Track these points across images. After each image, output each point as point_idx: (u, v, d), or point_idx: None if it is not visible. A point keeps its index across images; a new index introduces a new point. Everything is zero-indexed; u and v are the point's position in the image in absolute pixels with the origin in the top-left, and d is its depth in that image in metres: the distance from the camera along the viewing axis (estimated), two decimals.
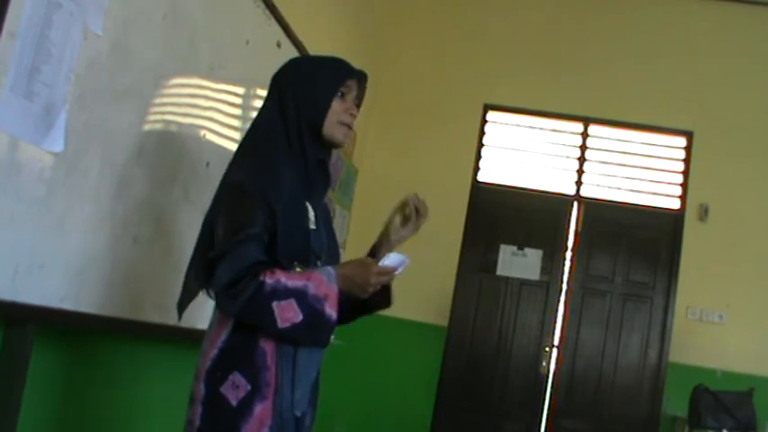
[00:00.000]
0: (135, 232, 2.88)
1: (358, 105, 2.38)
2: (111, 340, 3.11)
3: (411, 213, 2.44)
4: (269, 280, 2.04)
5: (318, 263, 2.25)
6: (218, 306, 2.13)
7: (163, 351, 3.52)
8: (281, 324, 2.04)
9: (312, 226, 2.25)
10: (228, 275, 2.05)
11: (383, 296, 2.35)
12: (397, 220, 2.46)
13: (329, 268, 2.15)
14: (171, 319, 3.12)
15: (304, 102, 2.26)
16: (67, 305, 2.52)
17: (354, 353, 6.22)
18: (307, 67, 2.37)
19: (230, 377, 2.08)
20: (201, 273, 2.23)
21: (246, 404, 2.07)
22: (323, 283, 2.09)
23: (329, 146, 2.34)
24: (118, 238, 2.78)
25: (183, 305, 2.34)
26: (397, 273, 2.20)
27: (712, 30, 6.87)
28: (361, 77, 2.36)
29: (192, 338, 3.04)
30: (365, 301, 2.30)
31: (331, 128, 2.28)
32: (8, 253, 2.22)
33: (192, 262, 2.29)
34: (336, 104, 2.29)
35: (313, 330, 2.08)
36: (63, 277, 2.49)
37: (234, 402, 2.07)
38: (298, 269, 2.14)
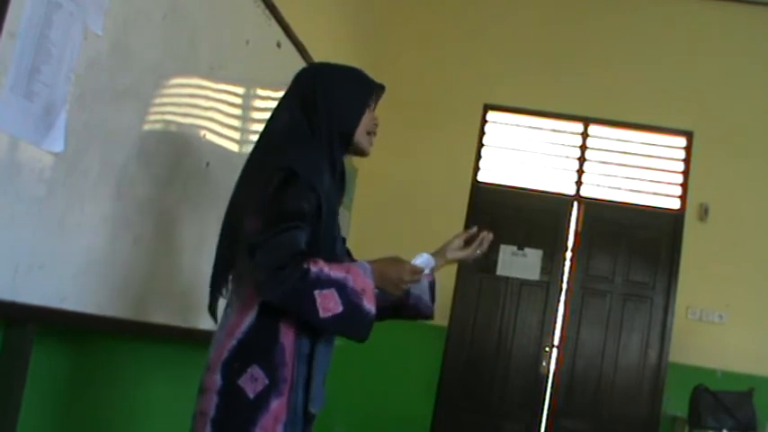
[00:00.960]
0: (135, 232, 2.88)
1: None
2: (111, 340, 3.11)
3: (475, 245, 2.71)
4: (314, 268, 2.06)
5: None
6: (260, 291, 2.10)
7: (164, 351, 3.52)
8: (322, 314, 2.06)
9: (339, 233, 2.33)
10: (275, 261, 2.04)
11: (425, 307, 2.60)
12: (458, 241, 2.71)
13: (365, 263, 2.19)
14: (172, 318, 3.13)
15: (337, 113, 2.30)
16: (68, 305, 2.52)
17: (354, 353, 6.18)
18: (336, 78, 2.39)
19: (249, 369, 2.08)
20: (226, 276, 2.28)
21: (263, 398, 2.07)
22: (359, 276, 2.12)
23: (354, 154, 2.41)
24: (118, 238, 2.78)
25: (214, 308, 2.34)
26: (426, 271, 2.32)
27: (712, 29, 6.87)
28: (382, 90, 2.45)
29: (193, 338, 3.04)
30: (402, 307, 2.48)
31: (361, 138, 2.36)
32: (8, 253, 2.22)
33: (219, 264, 2.30)
34: (366, 116, 2.36)
35: (354, 323, 2.10)
36: (63, 277, 2.49)
37: (251, 395, 2.07)
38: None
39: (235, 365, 2.09)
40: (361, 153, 2.41)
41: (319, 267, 2.07)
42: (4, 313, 2.28)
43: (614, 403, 6.51)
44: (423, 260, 2.29)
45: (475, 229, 2.71)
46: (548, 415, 6.59)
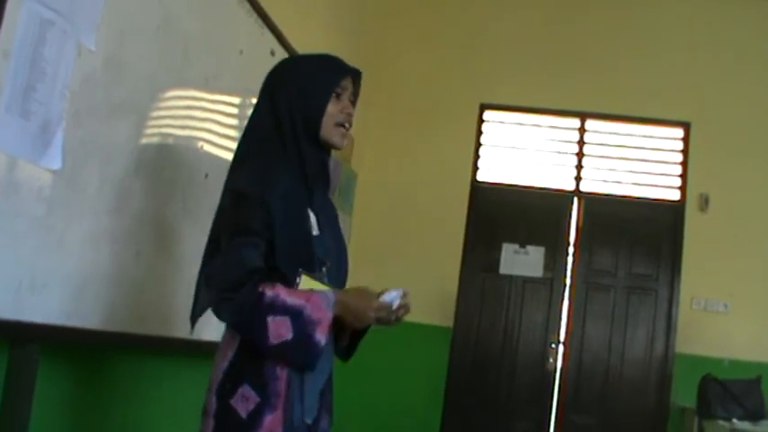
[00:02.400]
0: (136, 246, 2.87)
1: (353, 102, 2.34)
2: (117, 355, 3.11)
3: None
4: (269, 292, 2.03)
5: (324, 269, 2.23)
6: (214, 312, 2.11)
7: (171, 364, 3.51)
8: (272, 340, 2.03)
9: (315, 231, 2.23)
10: (226, 280, 2.05)
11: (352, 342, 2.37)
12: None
13: (330, 294, 2.11)
14: (177, 331, 3.13)
15: (298, 105, 2.22)
16: (72, 322, 2.52)
17: (360, 358, 6.18)
18: (298, 68, 2.34)
19: (239, 390, 2.08)
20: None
21: (256, 416, 2.06)
22: (320, 308, 2.06)
23: (327, 148, 2.31)
24: (119, 253, 2.77)
25: (195, 317, 2.33)
26: (394, 307, 2.17)
27: (706, 21, 6.86)
28: (354, 75, 2.33)
29: (200, 350, 3.04)
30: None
31: (328, 130, 2.26)
32: (10, 272, 2.22)
33: (201, 274, 2.28)
34: (332, 106, 2.25)
35: (300, 352, 2.05)
36: (66, 294, 2.49)
37: (243, 414, 2.06)
38: (304, 276, 2.12)
39: (227, 386, 2.09)
40: (333, 147, 2.31)
41: (275, 293, 2.04)
42: (9, 333, 2.28)
43: (622, 396, 6.50)
44: (391, 297, 2.16)
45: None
46: (557, 411, 6.58)
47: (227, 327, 2.18)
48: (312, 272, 2.16)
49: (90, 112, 2.51)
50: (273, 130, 2.23)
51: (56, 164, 2.34)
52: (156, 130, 3.01)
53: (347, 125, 2.30)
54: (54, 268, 2.41)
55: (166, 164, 3.08)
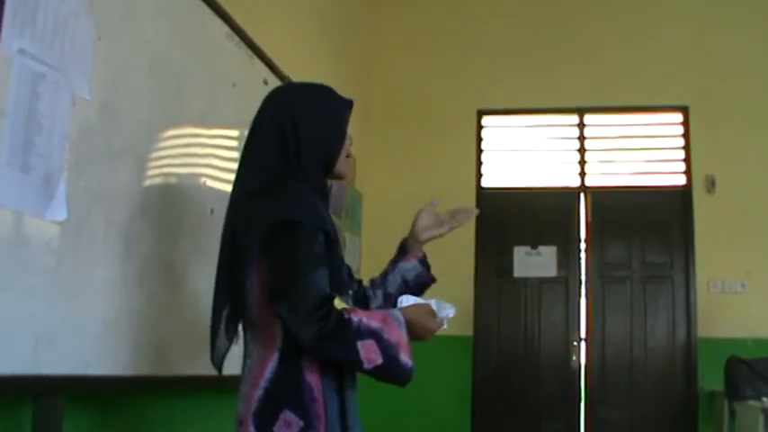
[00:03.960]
0: (148, 289, 2.88)
1: None
2: (140, 399, 3.11)
3: (443, 218, 2.65)
4: (354, 317, 2.06)
5: (349, 292, 2.31)
6: (299, 341, 2.05)
7: (195, 401, 3.51)
8: (366, 365, 2.06)
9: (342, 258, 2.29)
10: (304, 313, 2.01)
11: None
12: (425, 220, 2.65)
13: (398, 314, 2.17)
14: (199, 368, 3.12)
15: (320, 143, 2.24)
16: (92, 371, 2.52)
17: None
18: (313, 105, 2.31)
19: (281, 416, 2.06)
20: (231, 326, 2.24)
21: None
22: (395, 329, 2.11)
23: (332, 179, 2.35)
24: (133, 297, 2.78)
25: (216, 358, 2.30)
26: (445, 326, 2.30)
27: (694, 3, 6.87)
28: (352, 106, 2.38)
29: (225, 384, 3.03)
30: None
31: (341, 163, 2.32)
32: (26, 327, 2.22)
33: (215, 315, 2.26)
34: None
35: (395, 374, 2.11)
36: (84, 343, 2.49)
37: None
38: (337, 300, 2.11)
39: (266, 414, 2.06)
40: (340, 177, 2.37)
41: (359, 317, 2.07)
42: (31, 388, 2.28)
43: (649, 387, 6.48)
44: (448, 310, 2.28)
45: (435, 203, 2.71)
46: (585, 408, 6.56)
47: (252, 356, 2.16)
48: (342, 296, 2.20)
49: (90, 160, 2.52)
50: (286, 162, 2.21)
51: (61, 215, 2.35)
52: (157, 171, 3.01)
53: (351, 156, 2.38)
54: (69, 319, 2.41)
55: (171, 204, 3.09)
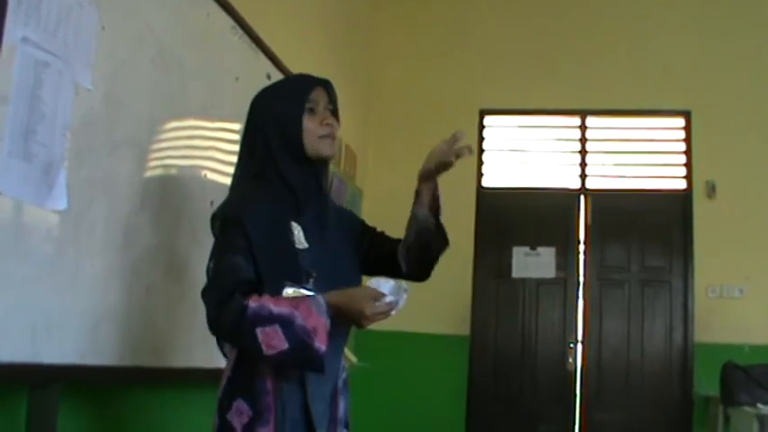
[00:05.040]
0: (147, 280, 2.88)
1: (334, 111, 2.35)
2: (136, 390, 3.11)
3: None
4: (253, 304, 2.05)
5: (311, 280, 2.20)
6: (210, 328, 2.13)
7: (191, 394, 3.51)
8: (266, 351, 2.04)
9: (300, 245, 2.22)
10: (213, 300, 2.09)
11: (439, 236, 2.53)
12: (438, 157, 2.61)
13: (319, 297, 2.10)
14: (194, 361, 3.13)
15: (276, 129, 2.27)
16: (88, 360, 2.52)
17: (380, 373, 6.20)
18: (269, 93, 2.40)
19: (234, 404, 2.13)
20: None
21: (249, 430, 2.10)
22: (312, 315, 2.05)
23: (319, 161, 2.33)
24: (131, 288, 2.78)
25: (223, 346, 2.34)
26: (395, 304, 2.14)
27: (697, 7, 6.87)
28: (323, 84, 2.34)
29: (218, 377, 3.04)
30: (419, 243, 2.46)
31: (313, 145, 2.28)
32: (24, 315, 2.22)
33: None
34: (309, 122, 2.28)
35: (303, 360, 2.06)
36: (81, 333, 2.50)
37: (238, 429, 2.11)
38: (288, 290, 2.12)
39: (225, 403, 2.15)
40: (323, 159, 2.33)
41: (260, 303, 2.05)
42: (27, 376, 2.28)
43: (645, 391, 6.48)
44: (386, 287, 2.14)
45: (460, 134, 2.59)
46: (581, 410, 6.56)
47: (219, 343, 2.27)
48: (298, 284, 2.16)
49: (92, 150, 2.52)
50: (256, 155, 2.29)
51: (61, 204, 2.35)
52: (158, 163, 3.01)
53: (332, 135, 2.32)
54: (67, 308, 2.41)
55: (172, 195, 3.09)
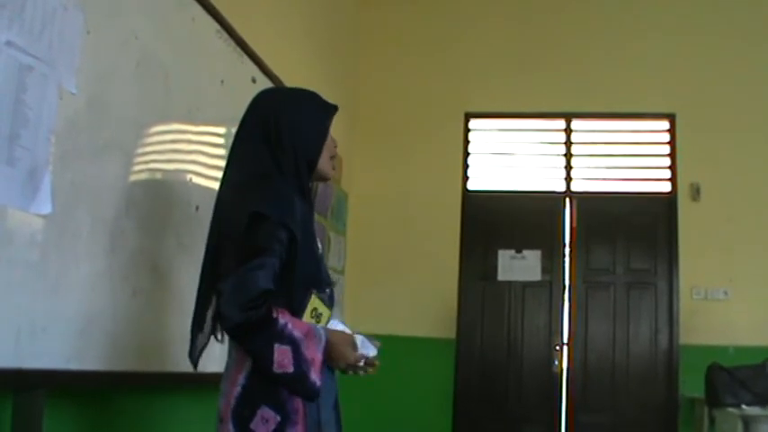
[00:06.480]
0: (133, 284, 2.87)
1: None
2: (122, 395, 3.10)
3: None
4: (281, 320, 2.08)
5: (328, 290, 2.32)
6: (227, 330, 2.14)
7: (177, 399, 3.50)
8: (276, 368, 2.08)
9: (320, 252, 2.35)
10: (241, 299, 2.06)
11: None
12: None
13: (322, 333, 2.18)
14: (180, 366, 3.11)
15: (301, 145, 2.31)
16: (73, 365, 2.50)
17: (366, 377, 6.18)
18: (296, 108, 2.39)
19: (258, 412, 2.10)
20: (216, 323, 2.29)
21: None
22: (313, 347, 2.13)
23: (316, 180, 2.43)
24: (117, 293, 2.77)
25: (194, 356, 2.34)
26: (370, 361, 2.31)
27: (684, 10, 6.90)
28: (336, 110, 2.46)
29: (205, 383, 3.03)
30: None
31: (323, 167, 2.40)
32: (8, 320, 2.21)
33: (198, 310, 2.31)
34: (324, 148, 2.38)
35: (298, 387, 2.12)
36: (66, 338, 2.48)
37: None
38: (314, 296, 2.20)
39: (245, 412, 2.11)
40: (324, 179, 2.46)
41: (285, 321, 2.09)
42: (12, 381, 2.27)
43: (631, 393, 6.50)
44: (370, 348, 2.30)
45: None
46: (566, 412, 6.57)
47: (232, 353, 2.23)
48: (321, 292, 2.25)
49: (76, 154, 2.51)
50: (273, 165, 2.28)
51: (46, 209, 2.34)
52: (143, 167, 3.01)
53: (335, 158, 2.46)
54: (52, 313, 2.40)
55: (157, 200, 3.08)
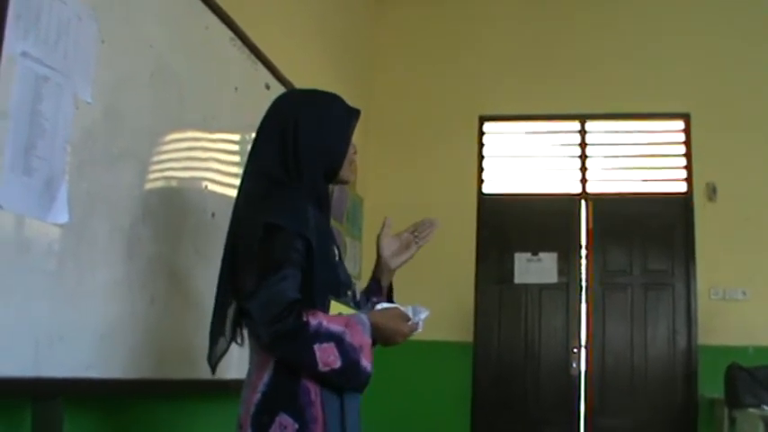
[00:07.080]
0: (151, 292, 2.88)
1: None
2: (141, 402, 3.10)
3: (407, 237, 2.69)
4: (313, 321, 2.06)
5: (348, 293, 2.32)
6: (262, 346, 2.13)
7: (196, 405, 3.51)
8: (321, 367, 2.07)
9: (337, 259, 2.33)
10: (269, 314, 2.05)
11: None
12: (390, 246, 2.65)
13: (363, 317, 2.18)
14: (199, 372, 3.12)
15: (322, 152, 2.28)
16: (92, 373, 2.52)
17: (384, 381, 6.14)
18: (318, 114, 2.33)
19: (277, 419, 2.09)
20: (237, 329, 2.28)
21: None
22: (358, 333, 2.12)
23: (336, 184, 2.40)
24: (135, 300, 2.78)
25: (213, 361, 2.33)
26: (417, 326, 2.29)
27: (695, 10, 6.88)
28: (359, 115, 2.42)
29: (225, 389, 3.04)
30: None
31: (345, 172, 2.36)
32: (27, 329, 2.22)
33: (217, 316, 2.29)
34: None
35: (350, 378, 2.12)
36: (85, 346, 2.50)
37: None
38: (332, 302, 2.18)
39: (263, 419, 2.10)
40: (345, 182, 2.44)
41: (318, 320, 2.07)
42: (31, 390, 2.28)
43: (649, 394, 6.47)
44: (419, 317, 2.29)
45: (388, 223, 2.70)
46: (585, 415, 6.55)
47: (253, 359, 2.22)
48: (339, 297, 2.23)
49: (92, 163, 2.53)
50: (293, 169, 2.25)
51: (63, 218, 2.35)
52: (159, 175, 3.02)
53: (356, 162, 2.43)
54: (70, 321, 2.41)
55: (173, 207, 3.10)
